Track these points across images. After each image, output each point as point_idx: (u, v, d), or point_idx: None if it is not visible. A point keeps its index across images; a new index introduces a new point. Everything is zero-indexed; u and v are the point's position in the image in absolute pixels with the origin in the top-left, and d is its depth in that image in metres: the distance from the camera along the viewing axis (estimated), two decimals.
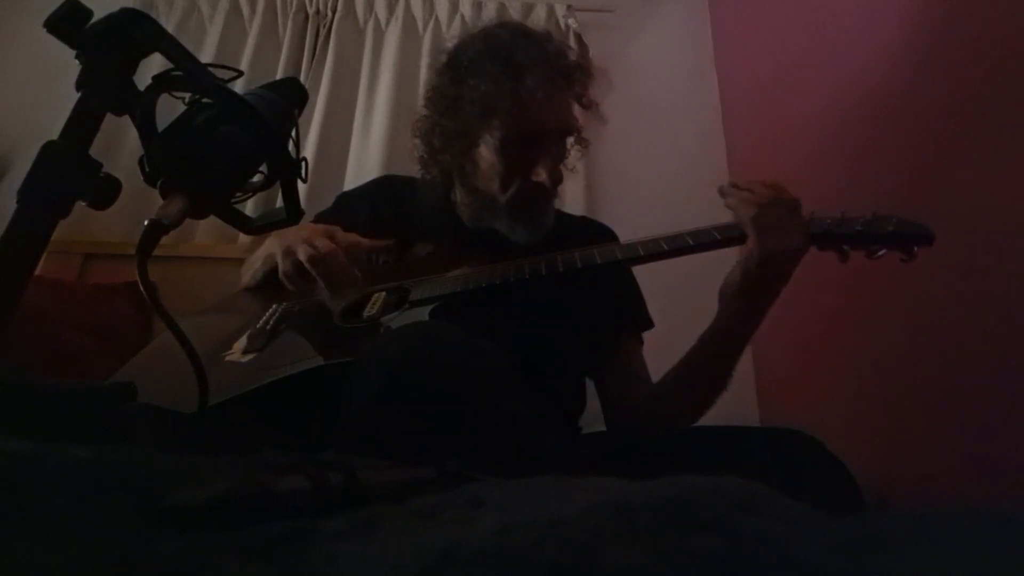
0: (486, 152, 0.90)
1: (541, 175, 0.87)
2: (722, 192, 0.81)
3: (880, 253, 0.78)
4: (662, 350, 0.93)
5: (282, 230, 0.87)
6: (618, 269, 1.02)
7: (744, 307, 0.79)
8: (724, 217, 0.82)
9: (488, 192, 0.92)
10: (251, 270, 0.98)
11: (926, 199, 1.07)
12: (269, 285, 0.95)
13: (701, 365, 0.85)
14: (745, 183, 0.80)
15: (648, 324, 1.04)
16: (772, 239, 0.74)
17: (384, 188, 1.07)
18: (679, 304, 1.13)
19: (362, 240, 0.85)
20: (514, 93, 0.85)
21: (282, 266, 0.82)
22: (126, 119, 0.50)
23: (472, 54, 0.91)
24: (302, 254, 0.79)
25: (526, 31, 0.93)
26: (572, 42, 1.96)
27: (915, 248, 0.76)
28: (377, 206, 1.03)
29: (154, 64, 0.50)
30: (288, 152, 0.57)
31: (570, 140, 0.96)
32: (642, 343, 1.02)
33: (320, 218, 1.07)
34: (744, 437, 0.74)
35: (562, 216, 1.09)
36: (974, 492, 0.95)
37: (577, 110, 0.95)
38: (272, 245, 0.88)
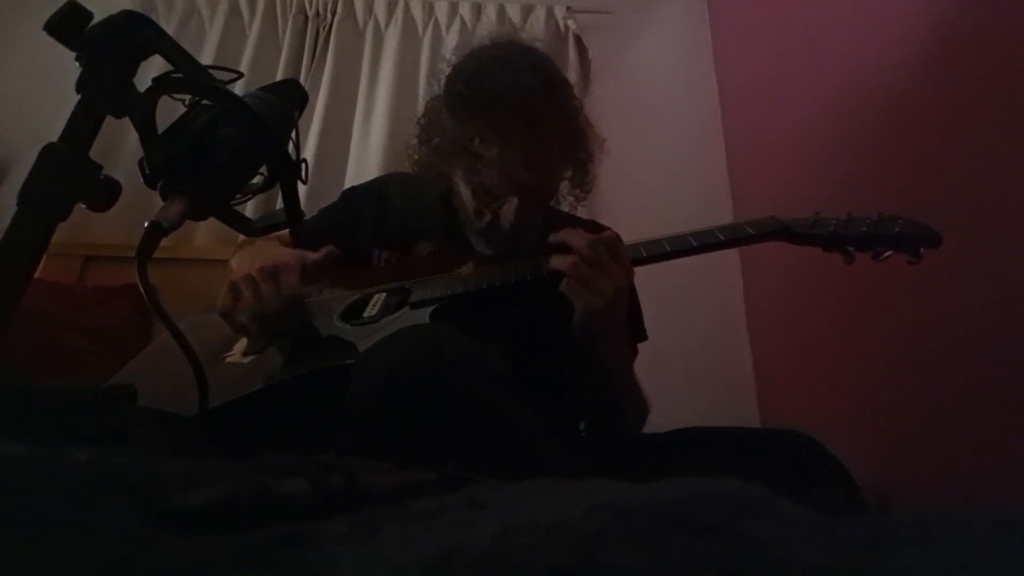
0: (461, 184, 0.91)
1: (505, 222, 0.87)
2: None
3: (886, 255, 0.77)
4: (665, 352, 0.92)
5: (244, 247, 0.86)
6: None
7: (595, 347, 0.80)
8: (723, 217, 0.82)
9: (465, 210, 0.93)
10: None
11: (926, 199, 1.07)
12: None
13: (595, 399, 0.86)
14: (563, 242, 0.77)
15: (642, 336, 1.03)
16: (596, 295, 0.74)
17: (392, 185, 1.07)
18: (680, 306, 1.12)
19: (306, 262, 0.80)
20: (474, 156, 0.85)
21: (232, 310, 0.78)
22: (126, 121, 0.50)
23: (456, 88, 0.89)
24: (245, 299, 0.76)
25: (520, 74, 0.84)
26: (571, 44, 1.96)
27: (922, 250, 0.76)
28: (384, 203, 1.02)
29: (154, 66, 0.50)
30: (288, 154, 0.57)
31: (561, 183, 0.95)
32: (636, 354, 1.02)
33: (324, 213, 1.07)
34: (744, 438, 0.74)
35: (568, 218, 1.08)
36: (974, 492, 0.95)
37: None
38: (231, 267, 0.86)
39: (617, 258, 0.75)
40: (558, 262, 0.75)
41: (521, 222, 0.88)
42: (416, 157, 0.99)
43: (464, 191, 0.91)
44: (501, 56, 0.88)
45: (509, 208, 0.86)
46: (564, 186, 0.98)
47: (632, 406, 0.88)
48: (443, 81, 0.94)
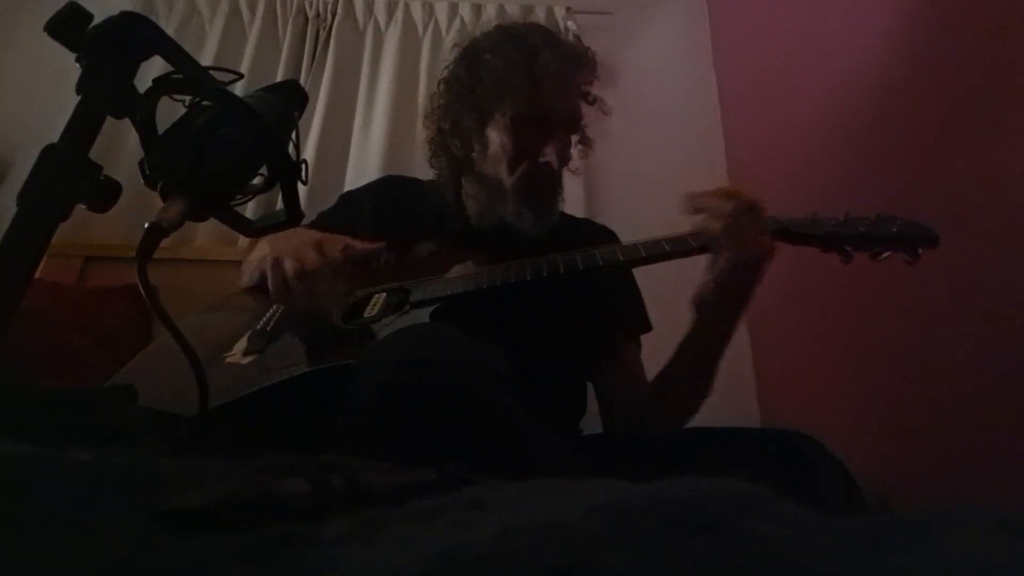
0: (495, 133, 0.91)
1: (549, 155, 0.88)
2: (687, 208, 0.79)
3: (884, 255, 0.77)
4: (662, 352, 0.92)
5: (276, 234, 0.87)
6: (620, 272, 1.02)
7: (718, 316, 0.79)
8: None
9: (495, 176, 0.92)
10: (248, 272, 0.98)
11: (925, 199, 1.07)
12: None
13: (681, 372, 0.85)
14: (703, 195, 0.78)
15: (647, 327, 1.03)
16: (739, 249, 0.74)
17: (387, 188, 1.07)
18: (678, 306, 1.12)
19: (354, 244, 0.82)
20: (529, 71, 0.87)
21: (272, 280, 0.78)
22: (126, 122, 0.50)
23: (489, 41, 0.94)
24: (289, 268, 0.76)
25: (540, 24, 0.97)
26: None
27: (919, 250, 0.76)
28: (380, 206, 1.03)
29: (154, 67, 0.50)
30: (288, 154, 0.57)
31: (574, 138, 0.96)
32: (640, 346, 1.02)
33: (323, 217, 1.07)
34: (745, 438, 0.74)
35: (566, 217, 1.09)
36: (974, 492, 0.95)
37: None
38: (262, 251, 0.88)
39: (761, 224, 0.76)
40: (707, 221, 0.75)
41: (565, 152, 0.91)
42: (432, 135, 0.99)
43: (500, 141, 0.91)
44: (525, 21, 1.01)
45: (556, 138, 0.89)
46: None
47: (709, 385, 0.87)
48: (463, 50, 0.97)
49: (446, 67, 1.00)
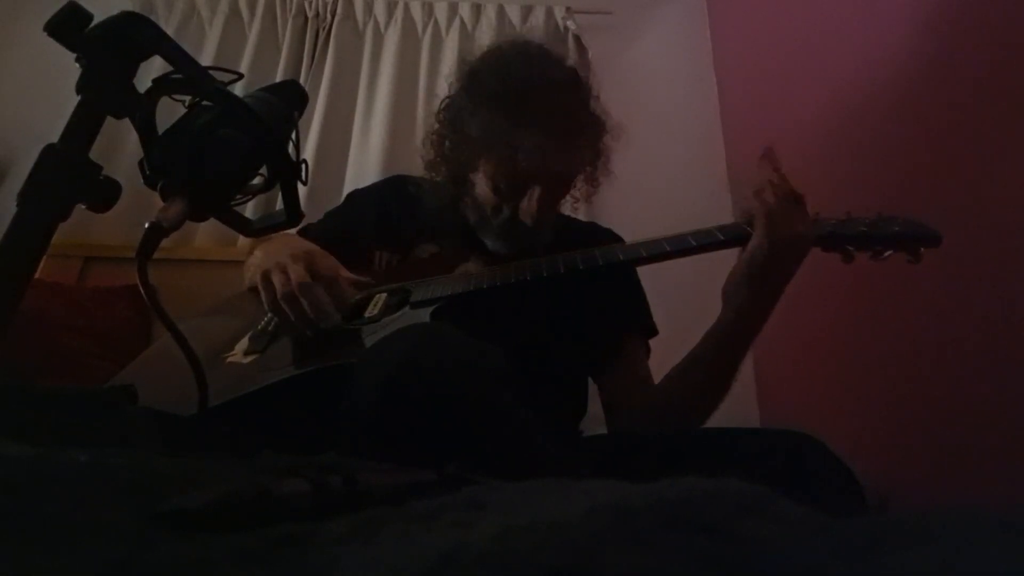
0: (480, 180, 0.91)
1: (527, 216, 0.87)
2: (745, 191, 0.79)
3: (885, 255, 0.77)
4: (667, 354, 0.92)
5: (270, 241, 0.87)
6: (622, 273, 1.02)
7: (750, 301, 0.78)
8: (723, 217, 0.82)
9: (482, 210, 0.93)
10: (247, 277, 0.98)
11: (926, 199, 1.07)
12: None
13: (707, 363, 0.83)
14: (758, 177, 0.79)
15: (651, 330, 1.03)
16: (784, 229, 0.74)
17: (395, 188, 1.07)
18: (681, 309, 1.12)
19: (341, 274, 0.81)
20: (509, 144, 0.84)
21: (265, 297, 0.78)
22: (126, 122, 0.50)
23: (485, 81, 0.90)
24: (277, 285, 0.75)
25: (548, 67, 0.89)
26: (571, 44, 1.96)
27: (921, 249, 0.76)
28: (385, 206, 1.03)
29: (154, 67, 0.50)
30: (288, 154, 0.57)
31: (579, 177, 0.95)
32: (648, 350, 1.02)
33: (330, 216, 1.07)
34: (747, 439, 0.74)
35: (570, 221, 1.09)
36: (974, 492, 0.95)
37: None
38: (256, 259, 0.86)
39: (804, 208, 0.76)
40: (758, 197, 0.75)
41: (544, 214, 0.88)
42: (431, 156, 0.98)
43: (483, 187, 0.90)
44: (524, 51, 0.92)
45: (531, 201, 0.87)
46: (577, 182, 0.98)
47: (728, 385, 0.85)
48: (464, 81, 0.94)
49: (447, 93, 0.98)
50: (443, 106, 0.98)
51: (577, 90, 0.91)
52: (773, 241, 0.74)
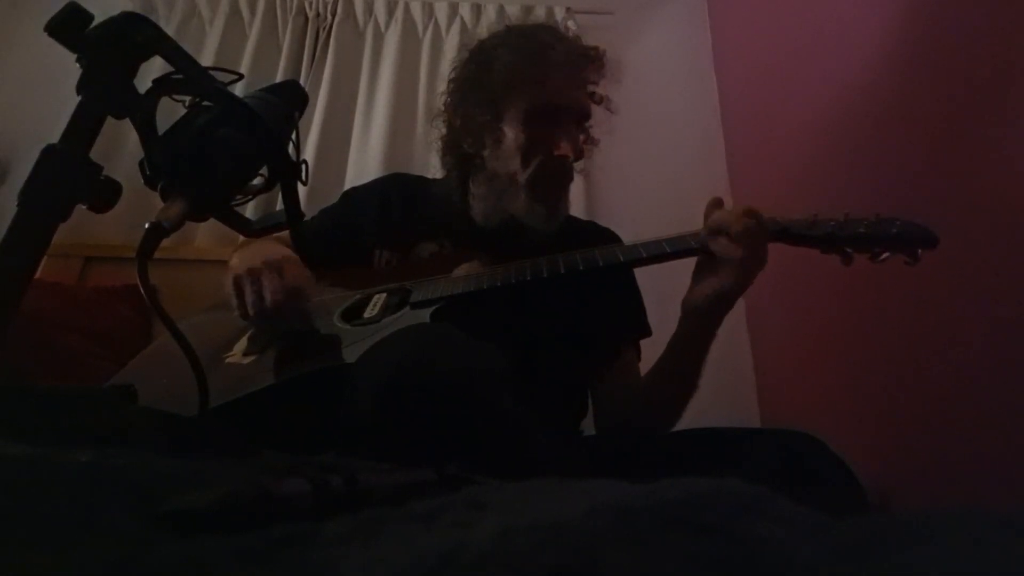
0: (508, 127, 0.91)
1: (564, 148, 0.88)
2: (706, 227, 0.79)
3: (884, 256, 0.77)
4: (659, 351, 0.92)
5: (245, 248, 0.87)
6: (621, 274, 1.02)
7: (712, 320, 0.81)
8: None
9: (508, 172, 0.92)
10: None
11: (925, 200, 1.07)
12: None
13: (673, 372, 0.86)
14: (722, 215, 0.78)
15: (647, 332, 1.03)
16: (754, 269, 0.76)
17: (393, 185, 1.06)
18: (677, 308, 1.13)
19: (303, 290, 0.79)
20: (540, 63, 0.88)
21: (236, 305, 0.78)
22: (126, 122, 0.50)
23: (498, 39, 0.95)
24: (248, 294, 0.76)
25: (546, 24, 1.00)
26: None
27: (919, 251, 0.76)
28: (387, 203, 1.02)
29: (154, 67, 0.50)
30: (288, 155, 0.57)
31: (582, 136, 0.96)
32: (639, 352, 1.02)
33: (325, 214, 1.06)
34: (747, 438, 0.74)
35: (570, 219, 1.09)
36: (974, 492, 0.95)
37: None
38: (233, 265, 0.85)
39: (763, 244, 0.76)
40: (718, 246, 0.76)
41: (578, 146, 0.91)
42: (450, 128, 0.99)
43: (513, 133, 0.91)
44: (529, 24, 1.00)
45: (569, 135, 0.90)
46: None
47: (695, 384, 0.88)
48: (472, 53, 0.98)
49: (454, 68, 1.00)
50: (452, 78, 1.00)
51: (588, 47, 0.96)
52: (746, 281, 0.76)
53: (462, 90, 0.96)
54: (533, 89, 0.89)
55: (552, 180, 0.91)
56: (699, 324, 0.81)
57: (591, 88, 0.95)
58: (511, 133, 0.90)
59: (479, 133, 0.93)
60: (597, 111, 0.98)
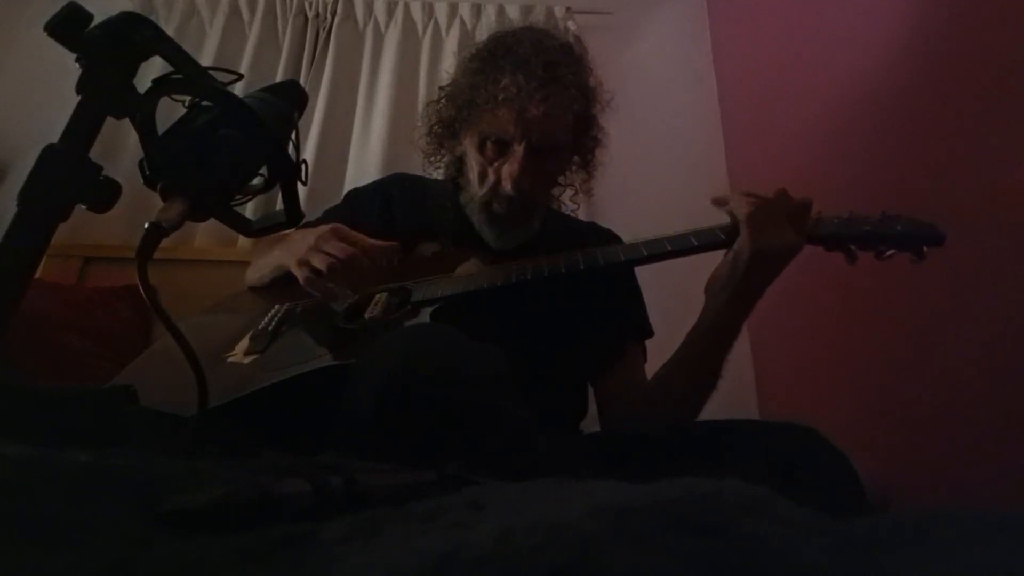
0: (469, 149, 0.92)
1: (505, 182, 0.87)
2: (720, 200, 0.80)
3: (888, 254, 0.76)
4: (662, 354, 0.92)
5: (285, 235, 0.88)
6: (622, 274, 1.02)
7: (731, 302, 0.78)
8: (724, 217, 0.82)
9: (472, 189, 0.93)
10: (258, 274, 0.98)
11: (926, 200, 1.07)
12: (273, 286, 0.95)
13: (690, 362, 0.84)
14: (749, 191, 0.79)
15: (648, 332, 1.03)
16: (763, 236, 0.74)
17: (396, 185, 1.07)
18: (677, 308, 1.12)
19: (369, 241, 0.83)
20: (490, 95, 0.85)
21: (301, 278, 0.81)
22: (126, 122, 0.50)
23: (472, 57, 0.93)
24: (320, 264, 0.79)
25: (542, 40, 0.90)
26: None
27: (925, 248, 0.76)
28: (390, 203, 1.03)
29: (154, 67, 0.50)
30: (288, 155, 0.57)
31: (575, 160, 0.95)
32: (645, 352, 1.02)
33: (329, 214, 1.06)
34: (747, 432, 0.74)
35: (570, 221, 1.08)
36: (974, 491, 0.95)
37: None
38: (282, 256, 0.88)
39: (773, 207, 0.75)
40: (726, 209, 0.76)
41: (526, 180, 0.87)
42: (431, 128, 0.99)
43: (471, 153, 0.91)
44: (536, 30, 0.94)
45: (513, 161, 0.86)
46: (569, 178, 0.99)
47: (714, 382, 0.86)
48: (455, 70, 0.97)
49: (441, 84, 1.01)
50: (440, 85, 1.01)
51: (566, 52, 0.91)
52: (757, 248, 0.74)
53: (439, 103, 0.98)
54: (477, 119, 0.88)
55: (502, 206, 0.90)
56: (714, 308, 0.79)
57: (568, 117, 0.89)
58: (470, 153, 0.92)
59: (450, 142, 0.96)
60: (605, 131, 0.97)
